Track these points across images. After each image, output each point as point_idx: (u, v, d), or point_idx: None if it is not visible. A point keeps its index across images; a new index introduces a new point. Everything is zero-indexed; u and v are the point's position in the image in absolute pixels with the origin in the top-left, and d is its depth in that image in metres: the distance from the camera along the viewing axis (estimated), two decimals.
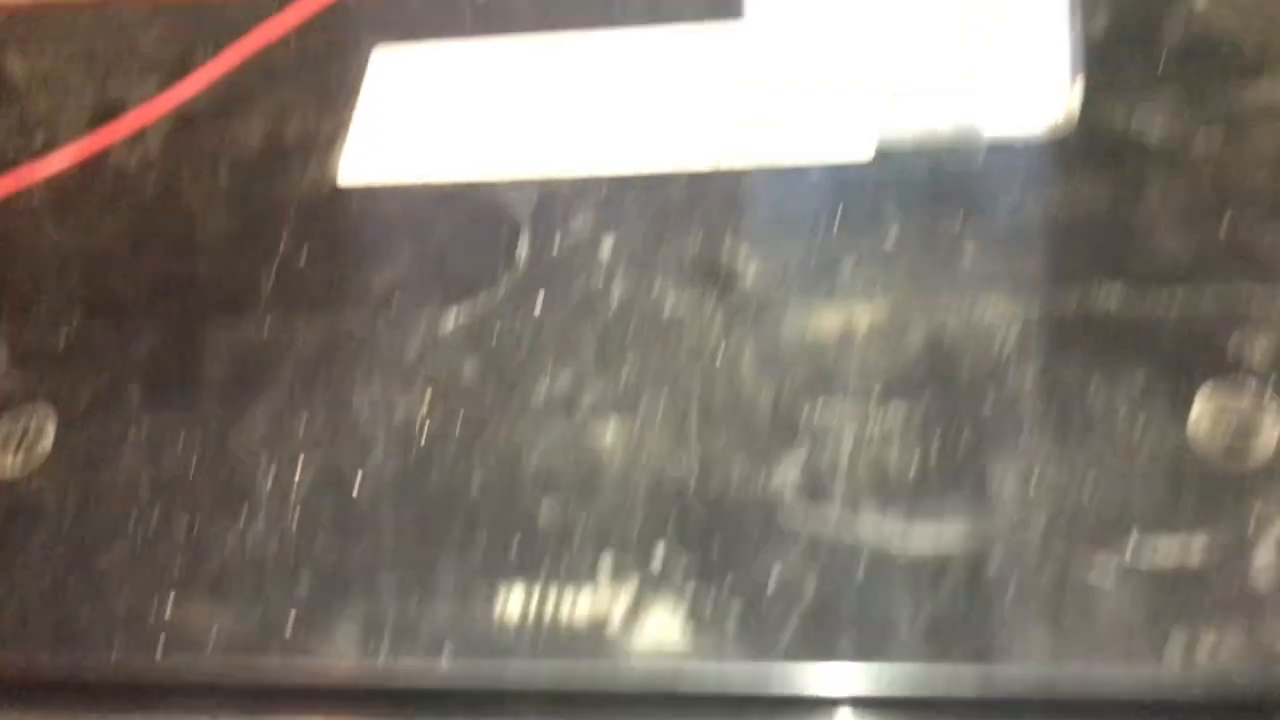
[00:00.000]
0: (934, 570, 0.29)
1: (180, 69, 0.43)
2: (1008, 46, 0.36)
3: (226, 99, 0.42)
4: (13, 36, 0.48)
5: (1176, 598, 0.28)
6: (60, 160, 0.42)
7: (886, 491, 0.30)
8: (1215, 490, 0.29)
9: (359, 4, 0.42)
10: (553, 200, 0.38)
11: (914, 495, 0.30)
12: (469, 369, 0.34)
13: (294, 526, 0.32)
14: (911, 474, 0.30)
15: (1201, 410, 0.30)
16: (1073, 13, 0.35)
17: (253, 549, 0.32)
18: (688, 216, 0.36)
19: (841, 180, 0.36)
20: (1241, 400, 0.30)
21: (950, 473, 0.30)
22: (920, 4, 0.36)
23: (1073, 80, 0.35)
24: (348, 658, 0.30)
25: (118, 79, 0.44)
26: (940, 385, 0.32)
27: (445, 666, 0.29)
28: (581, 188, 0.38)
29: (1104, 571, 0.28)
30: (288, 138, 0.41)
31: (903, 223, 0.35)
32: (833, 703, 0.29)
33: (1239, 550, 0.28)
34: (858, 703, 0.29)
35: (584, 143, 0.39)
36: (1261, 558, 0.28)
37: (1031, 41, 0.35)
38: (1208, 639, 0.27)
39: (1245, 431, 0.30)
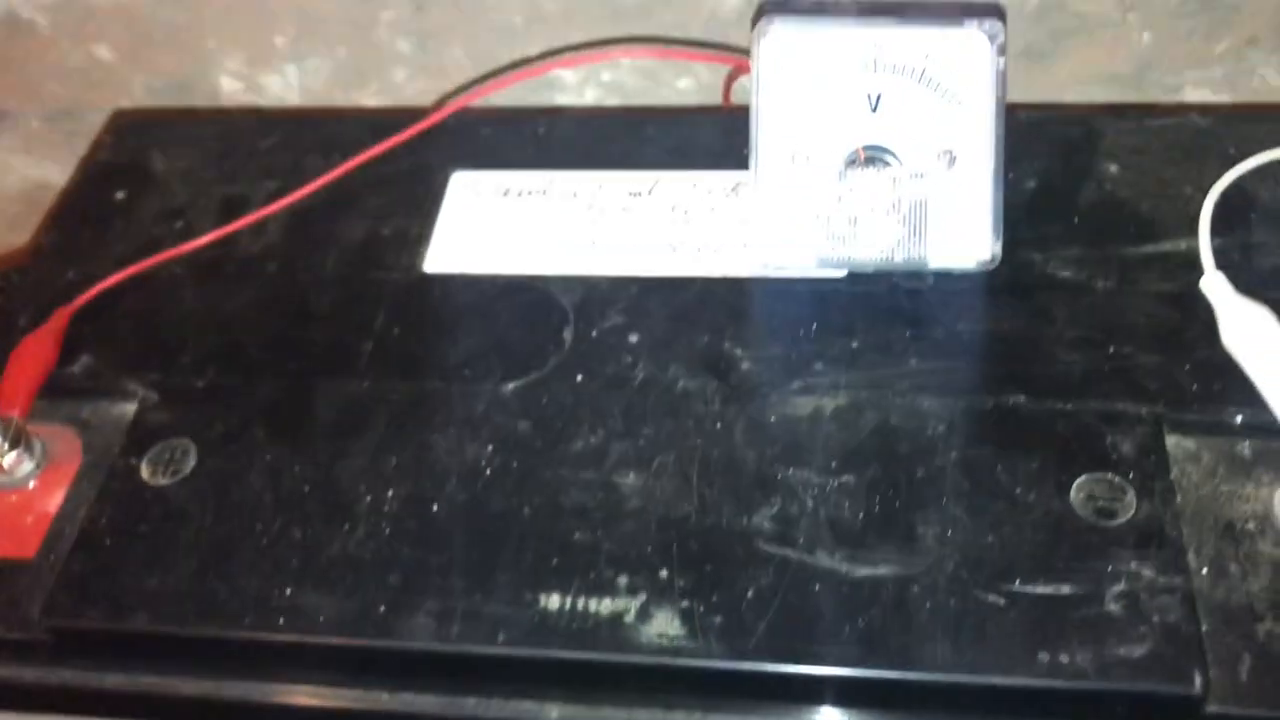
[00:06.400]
0: (869, 590, 0.39)
1: (293, 175, 0.54)
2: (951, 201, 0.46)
3: (334, 202, 0.53)
4: (154, 139, 0.58)
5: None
6: (198, 243, 0.52)
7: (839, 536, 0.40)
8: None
9: (442, 135, 0.53)
10: (593, 295, 0.48)
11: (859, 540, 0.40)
12: (523, 426, 0.44)
13: (386, 536, 0.42)
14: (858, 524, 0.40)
15: (1079, 486, 0.41)
16: (997, 177, 0.46)
17: (354, 552, 0.41)
18: (699, 317, 0.47)
19: (820, 293, 0.47)
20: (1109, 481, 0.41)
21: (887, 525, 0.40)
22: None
23: (997, 227, 0.46)
24: (426, 638, 0.39)
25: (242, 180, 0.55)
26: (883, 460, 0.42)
27: (499, 649, 0.39)
28: (617, 286, 0.49)
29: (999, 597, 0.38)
30: (384, 234, 0.52)
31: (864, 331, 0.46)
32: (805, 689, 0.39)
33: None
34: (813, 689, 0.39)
35: (619, 251, 0.50)
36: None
37: (968, 195, 0.46)
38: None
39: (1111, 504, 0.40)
